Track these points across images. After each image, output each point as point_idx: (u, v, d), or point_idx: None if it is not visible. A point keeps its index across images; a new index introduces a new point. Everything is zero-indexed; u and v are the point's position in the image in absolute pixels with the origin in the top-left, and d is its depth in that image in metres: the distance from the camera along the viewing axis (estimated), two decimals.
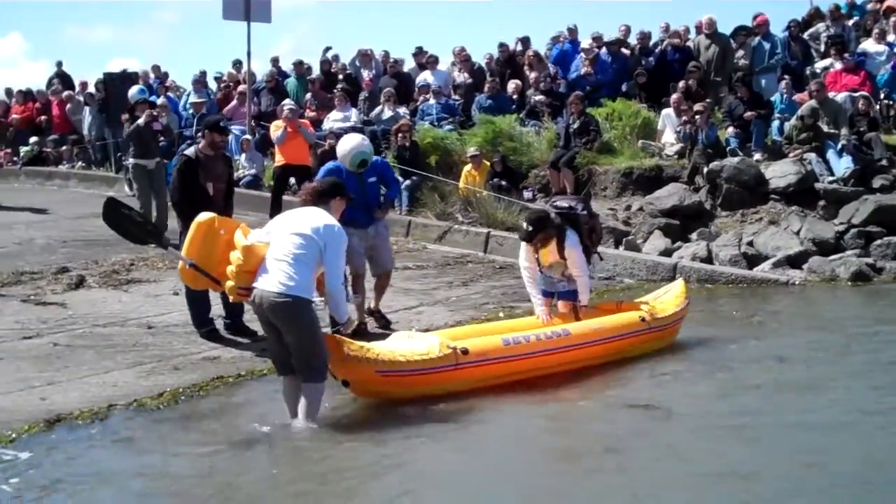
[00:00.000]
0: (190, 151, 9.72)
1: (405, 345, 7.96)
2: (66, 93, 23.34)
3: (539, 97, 17.92)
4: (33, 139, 23.34)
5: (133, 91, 17.82)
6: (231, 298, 7.54)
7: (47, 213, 17.51)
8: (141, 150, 15.16)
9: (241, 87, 20.18)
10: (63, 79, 24.76)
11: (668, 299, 9.73)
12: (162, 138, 15.97)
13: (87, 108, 22.32)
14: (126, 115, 16.98)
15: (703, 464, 6.45)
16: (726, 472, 6.28)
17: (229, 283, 7.25)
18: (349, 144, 9.89)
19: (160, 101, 19.51)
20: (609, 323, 9.06)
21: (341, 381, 7.60)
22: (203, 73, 22.47)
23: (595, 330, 8.89)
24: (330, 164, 10.03)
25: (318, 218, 7.11)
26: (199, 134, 18.86)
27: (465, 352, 7.87)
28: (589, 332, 8.83)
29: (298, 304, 6.92)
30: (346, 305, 7.31)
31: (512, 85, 18.68)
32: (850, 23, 18.34)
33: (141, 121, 15.21)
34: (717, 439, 6.89)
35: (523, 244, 9.24)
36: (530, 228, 8.94)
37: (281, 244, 7.05)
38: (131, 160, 15.62)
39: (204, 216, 7.64)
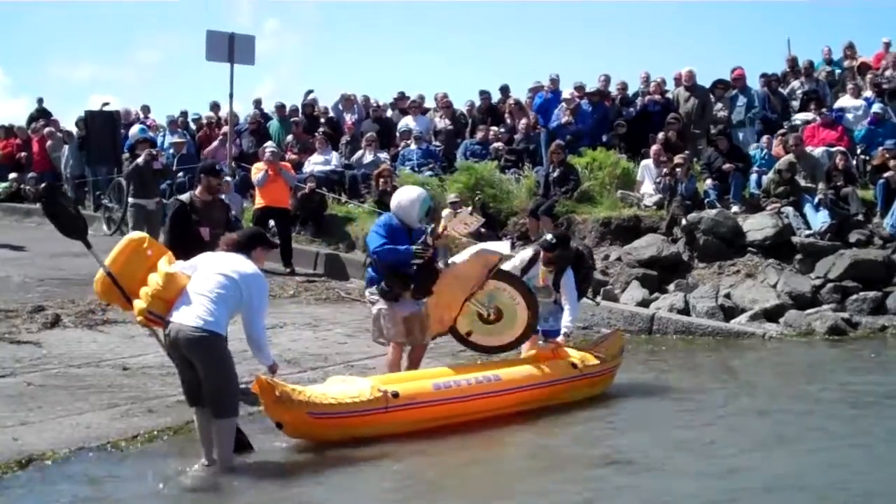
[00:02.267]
0: (185, 196, 9.68)
1: (338, 388, 8.13)
2: (46, 130, 23.21)
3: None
4: (12, 175, 23.23)
5: (134, 130, 17.79)
6: (138, 321, 7.52)
7: (24, 250, 17.35)
8: (141, 189, 15.12)
9: (224, 129, 20.19)
10: (44, 116, 24.64)
11: (603, 347, 9.85)
12: (161, 179, 15.95)
13: (66, 146, 22.26)
14: (127, 155, 16.94)
15: None
16: None
17: (140, 305, 7.23)
18: (414, 193, 9.32)
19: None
20: (540, 369, 9.22)
21: (275, 423, 7.78)
22: (184, 114, 22.48)
23: (526, 376, 9.09)
24: (385, 219, 9.32)
25: (243, 264, 7.30)
26: (179, 174, 18.95)
27: (395, 395, 8.08)
28: (520, 378, 9.02)
29: (214, 339, 7.04)
30: (269, 350, 7.50)
31: (493, 132, 18.86)
32: (823, 77, 18.55)
33: (140, 160, 15.18)
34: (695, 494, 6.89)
35: (520, 258, 9.67)
36: (554, 241, 9.48)
37: (204, 281, 7.18)
38: (130, 199, 15.54)
39: (136, 234, 7.84)
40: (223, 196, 10.85)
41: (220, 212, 9.69)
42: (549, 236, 9.60)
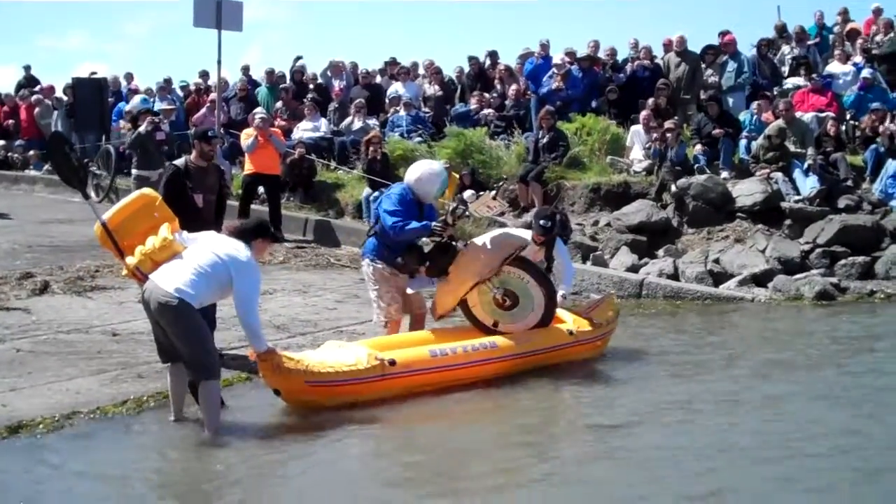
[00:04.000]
0: (179, 162, 9.61)
1: (335, 355, 8.15)
2: (34, 97, 23.07)
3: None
4: (0, 143, 23.13)
5: (135, 101, 17.55)
6: (124, 272, 7.59)
7: (11, 217, 17.32)
8: (144, 160, 14.97)
9: (212, 95, 20.09)
10: (32, 83, 24.48)
11: (597, 312, 9.85)
12: (165, 147, 15.78)
13: (55, 113, 22.14)
14: (129, 125, 16.77)
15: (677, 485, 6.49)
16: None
17: (130, 260, 7.28)
18: (437, 167, 9.14)
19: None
20: (536, 336, 9.21)
21: (273, 390, 7.86)
22: (168, 80, 22.29)
23: (522, 343, 9.06)
24: (399, 191, 8.95)
25: (237, 248, 7.31)
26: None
27: (392, 363, 8.12)
28: (515, 345, 9.00)
29: (182, 307, 7.02)
30: (262, 335, 7.50)
31: (483, 98, 18.82)
32: (813, 43, 18.52)
33: (143, 128, 15.00)
34: (688, 458, 6.93)
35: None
36: (549, 224, 9.39)
37: (195, 255, 7.23)
38: (134, 171, 15.39)
39: (149, 192, 7.85)
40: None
41: (213, 177, 9.65)
42: (541, 221, 9.41)
